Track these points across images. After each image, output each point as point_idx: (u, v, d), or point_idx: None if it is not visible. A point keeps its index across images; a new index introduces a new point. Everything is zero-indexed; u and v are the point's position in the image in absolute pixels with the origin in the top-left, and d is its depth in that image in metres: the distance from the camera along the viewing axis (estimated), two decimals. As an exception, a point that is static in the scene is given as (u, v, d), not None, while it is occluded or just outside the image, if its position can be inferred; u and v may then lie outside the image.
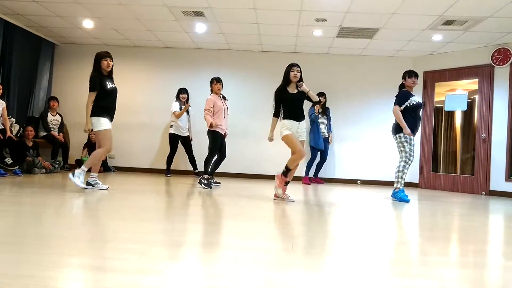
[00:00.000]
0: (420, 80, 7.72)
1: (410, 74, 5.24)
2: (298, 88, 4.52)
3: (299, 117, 4.56)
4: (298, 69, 4.54)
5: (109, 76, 4.79)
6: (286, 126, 4.51)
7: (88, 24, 6.84)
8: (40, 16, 6.56)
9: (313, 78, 7.89)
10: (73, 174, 4.57)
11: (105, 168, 7.49)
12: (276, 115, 4.64)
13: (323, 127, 7.32)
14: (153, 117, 8.04)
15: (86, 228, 2.63)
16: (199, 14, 6.09)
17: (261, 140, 7.46)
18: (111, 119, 4.78)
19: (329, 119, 7.44)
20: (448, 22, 5.88)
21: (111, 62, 4.73)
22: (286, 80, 4.56)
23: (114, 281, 1.65)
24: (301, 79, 4.57)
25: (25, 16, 6.61)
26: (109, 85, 4.69)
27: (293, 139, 4.48)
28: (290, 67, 4.56)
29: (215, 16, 6.17)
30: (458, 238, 3.03)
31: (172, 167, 7.37)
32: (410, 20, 5.90)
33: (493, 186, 6.77)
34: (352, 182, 7.74)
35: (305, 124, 4.64)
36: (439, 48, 7.18)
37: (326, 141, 7.33)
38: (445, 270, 2.05)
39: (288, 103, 4.55)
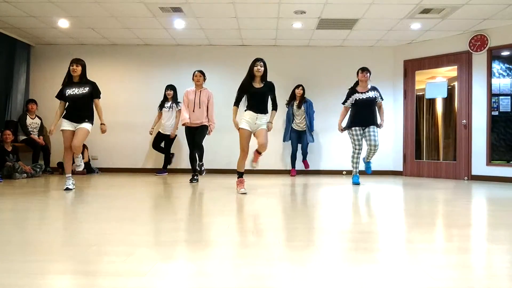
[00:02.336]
0: (400, 69, 7.83)
1: (361, 69, 5.81)
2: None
3: (260, 110, 4.66)
4: (262, 63, 4.62)
5: (78, 82, 4.86)
6: (245, 118, 4.66)
7: (63, 23, 6.69)
8: (13, 17, 6.38)
9: (295, 71, 7.90)
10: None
11: (89, 169, 7.38)
12: (236, 104, 4.72)
13: (298, 120, 7.26)
14: (134, 116, 7.93)
15: (70, 232, 2.58)
16: (177, 9, 6.01)
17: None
18: (72, 121, 4.83)
19: (308, 112, 7.28)
20: (426, 10, 5.93)
21: (76, 67, 4.81)
22: (250, 75, 4.64)
23: (100, 285, 1.62)
24: (265, 74, 4.65)
25: (-3, 17, 6.43)
26: (68, 92, 4.82)
27: (243, 135, 4.66)
28: (254, 62, 4.64)
29: (193, 11, 6.10)
30: (443, 224, 3.07)
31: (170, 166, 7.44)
32: (388, 10, 5.93)
33: (475, 171, 6.89)
34: (338, 172, 7.79)
35: (265, 117, 4.69)
36: (418, 36, 7.25)
37: (304, 133, 7.27)
38: (431, 256, 2.07)
39: (252, 96, 4.66)
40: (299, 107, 7.24)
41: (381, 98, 5.83)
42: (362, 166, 6.03)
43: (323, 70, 7.98)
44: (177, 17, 6.38)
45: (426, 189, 5.38)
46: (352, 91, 5.83)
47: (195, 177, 5.98)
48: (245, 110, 4.69)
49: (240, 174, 4.80)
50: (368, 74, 5.73)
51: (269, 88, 4.67)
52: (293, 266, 1.88)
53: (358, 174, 5.87)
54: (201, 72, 5.91)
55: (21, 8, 5.99)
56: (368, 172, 6.12)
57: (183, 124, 5.86)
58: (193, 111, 5.78)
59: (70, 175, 4.94)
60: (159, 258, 2.00)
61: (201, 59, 7.94)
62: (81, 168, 5.08)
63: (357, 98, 5.74)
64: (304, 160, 7.41)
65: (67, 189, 4.78)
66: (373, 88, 5.80)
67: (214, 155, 7.59)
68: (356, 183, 5.80)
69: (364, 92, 5.75)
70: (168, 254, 2.08)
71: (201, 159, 5.82)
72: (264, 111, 4.68)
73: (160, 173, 7.26)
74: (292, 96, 7.32)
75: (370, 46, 7.90)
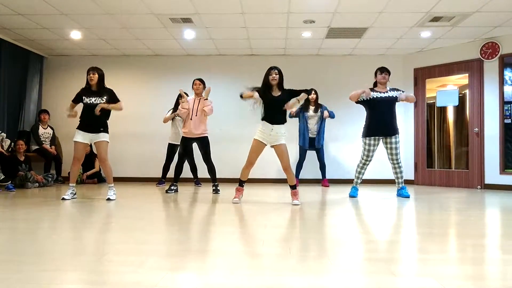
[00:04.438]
0: (410, 77, 7.79)
1: (380, 70, 5.31)
2: (290, 110, 4.48)
3: (275, 120, 4.49)
4: (276, 71, 4.50)
5: (96, 91, 4.85)
6: (259, 129, 4.55)
7: (75, 35, 6.80)
8: (27, 29, 6.51)
9: (304, 80, 7.89)
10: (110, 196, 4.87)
11: (99, 179, 7.43)
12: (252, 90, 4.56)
13: (312, 124, 7.01)
14: (144, 126, 8.00)
15: (82, 242, 2.60)
16: (187, 20, 6.08)
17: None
18: (87, 131, 4.83)
19: (322, 117, 7.02)
20: (436, 19, 5.91)
21: (93, 76, 4.82)
22: (267, 84, 4.51)
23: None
24: (281, 81, 4.53)
25: (12, 30, 6.56)
26: (85, 100, 4.83)
27: (254, 147, 4.55)
28: (269, 70, 4.52)
29: (203, 22, 6.16)
30: (456, 233, 3.02)
31: (169, 174, 7.29)
32: (398, 18, 5.92)
33: (488, 180, 6.79)
34: (347, 182, 7.72)
35: (283, 128, 4.53)
36: (428, 44, 7.22)
37: (317, 141, 6.99)
38: (445, 267, 2.04)
39: (269, 104, 4.51)
40: (315, 111, 6.98)
41: (402, 91, 5.32)
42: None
43: (333, 79, 7.98)
44: (187, 28, 6.45)
45: (439, 198, 5.31)
46: (370, 89, 5.28)
47: (173, 187, 5.73)
48: (261, 119, 4.55)
49: (241, 182, 4.75)
50: (388, 75, 5.23)
51: (288, 95, 4.51)
52: (304, 277, 1.86)
53: (357, 187, 5.45)
54: (201, 80, 5.75)
55: (34, 20, 6.11)
56: (407, 196, 5.29)
57: (180, 113, 5.71)
58: (191, 118, 5.59)
59: (74, 185, 4.96)
60: (169, 268, 1.99)
61: (211, 69, 8.01)
62: (113, 198, 4.86)
63: (375, 96, 5.15)
64: (324, 179, 7.17)
65: (63, 199, 4.77)
66: (393, 89, 5.25)
67: (224, 165, 7.59)
68: (353, 196, 5.33)
69: (384, 92, 5.20)
70: (178, 264, 2.08)
71: (215, 180, 5.77)
72: (281, 121, 4.51)
73: (160, 184, 7.04)
74: (307, 102, 6.98)
75: (380, 54, 7.88)
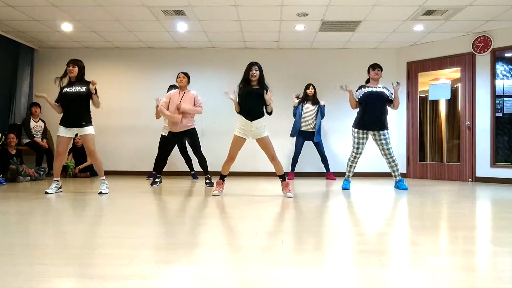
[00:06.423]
0: (403, 71, 7.81)
1: (372, 67, 5.43)
2: (266, 97, 4.47)
3: (254, 115, 4.49)
4: (257, 67, 4.50)
5: (77, 81, 4.80)
6: (239, 124, 4.55)
7: (66, 27, 6.72)
8: (17, 21, 6.42)
9: (298, 73, 7.90)
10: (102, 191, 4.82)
11: (92, 172, 7.39)
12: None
13: (309, 117, 7.00)
14: (137, 119, 7.95)
15: (73, 235, 2.58)
16: (179, 13, 6.03)
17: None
18: (70, 126, 4.78)
19: (321, 110, 7.04)
20: (429, 12, 5.92)
21: (72, 68, 4.79)
22: (246, 79, 4.52)
23: (101, 288, 1.62)
24: (261, 77, 4.53)
25: (1, 21, 6.46)
26: (64, 90, 4.78)
27: (234, 143, 4.57)
28: (249, 66, 4.53)
29: (196, 15, 6.12)
30: (447, 226, 3.05)
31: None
32: (391, 12, 5.92)
33: (479, 173, 6.86)
34: (340, 175, 7.76)
35: (262, 121, 4.53)
36: (421, 38, 7.24)
37: (312, 134, 7.02)
38: (435, 259, 2.06)
39: (247, 96, 4.47)
40: (313, 104, 7.00)
41: (392, 95, 5.42)
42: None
43: (326, 72, 7.98)
44: (179, 20, 6.40)
45: (430, 191, 5.35)
46: (362, 85, 5.46)
47: (157, 180, 5.75)
48: (239, 113, 4.56)
49: (222, 176, 4.77)
50: (380, 71, 5.36)
51: (267, 91, 4.51)
52: (296, 269, 1.87)
53: (349, 179, 5.55)
54: (185, 73, 5.76)
55: (24, 12, 6.02)
56: (405, 188, 5.43)
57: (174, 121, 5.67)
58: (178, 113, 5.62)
59: (59, 179, 4.91)
60: (163, 261, 1.99)
61: (204, 62, 7.97)
62: (105, 192, 4.80)
63: (367, 91, 5.30)
64: (329, 172, 7.19)
65: (47, 193, 4.71)
66: (385, 88, 5.40)
67: (216, 158, 7.58)
68: (346, 189, 5.43)
69: (376, 87, 5.33)
70: (172, 257, 2.08)
71: (207, 172, 5.80)
72: (259, 115, 4.51)
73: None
74: (304, 97, 7.06)
75: (373, 48, 7.89)
